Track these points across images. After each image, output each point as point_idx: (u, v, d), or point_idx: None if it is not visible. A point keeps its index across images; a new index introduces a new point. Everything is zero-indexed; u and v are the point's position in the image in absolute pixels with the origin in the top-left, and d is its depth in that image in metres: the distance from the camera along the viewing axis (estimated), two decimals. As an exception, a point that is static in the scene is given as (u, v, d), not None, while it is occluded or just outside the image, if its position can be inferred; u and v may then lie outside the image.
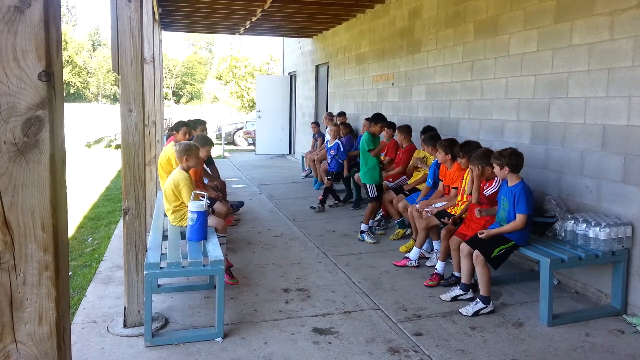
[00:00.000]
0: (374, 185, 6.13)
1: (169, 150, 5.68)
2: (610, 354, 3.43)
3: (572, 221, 4.18)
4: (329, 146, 8.17)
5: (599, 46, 4.28)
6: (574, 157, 4.58)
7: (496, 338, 3.65)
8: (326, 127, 9.04)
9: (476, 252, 4.10)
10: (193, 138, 5.79)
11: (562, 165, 4.71)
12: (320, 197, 7.88)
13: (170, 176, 4.54)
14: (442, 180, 5.33)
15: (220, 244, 4.53)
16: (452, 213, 4.90)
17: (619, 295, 4.04)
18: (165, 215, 5.07)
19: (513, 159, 4.09)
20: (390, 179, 6.71)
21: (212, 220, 4.58)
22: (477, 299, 4.07)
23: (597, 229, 3.95)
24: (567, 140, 4.65)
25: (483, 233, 4.17)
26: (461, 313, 4.01)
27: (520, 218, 4.03)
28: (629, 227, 3.98)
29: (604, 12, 4.22)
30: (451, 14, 6.49)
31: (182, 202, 4.47)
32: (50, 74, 0.96)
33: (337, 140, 8.05)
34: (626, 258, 4.01)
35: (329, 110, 11.43)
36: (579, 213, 4.34)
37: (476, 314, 3.99)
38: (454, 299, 4.27)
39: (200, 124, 6.93)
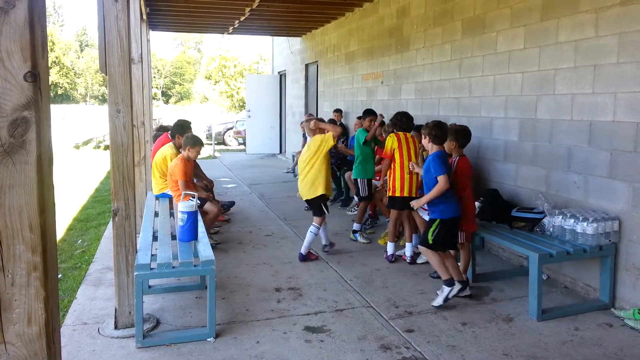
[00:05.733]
0: (364, 181, 6.14)
1: (166, 151, 5.73)
2: (598, 347, 3.48)
3: (560, 216, 4.23)
4: None
5: (584, 43, 4.33)
6: (561, 153, 4.62)
7: (487, 333, 3.68)
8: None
9: (419, 246, 4.40)
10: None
11: (550, 161, 4.76)
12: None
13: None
14: None
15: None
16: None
17: (607, 289, 4.09)
18: (155, 215, 5.06)
19: (435, 130, 4.17)
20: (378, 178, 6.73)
21: None
22: (442, 286, 4.10)
23: (585, 223, 4.00)
24: (555, 136, 4.70)
25: (412, 202, 4.39)
26: (434, 306, 4.05)
27: (440, 179, 4.05)
28: (616, 221, 4.03)
29: (589, 10, 4.26)
30: (439, 12, 6.52)
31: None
32: (36, 75, 0.96)
33: None
34: (613, 252, 4.06)
35: (317, 109, 11.44)
36: (566, 208, 4.38)
37: (446, 300, 4.04)
38: (446, 299, 4.10)
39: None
